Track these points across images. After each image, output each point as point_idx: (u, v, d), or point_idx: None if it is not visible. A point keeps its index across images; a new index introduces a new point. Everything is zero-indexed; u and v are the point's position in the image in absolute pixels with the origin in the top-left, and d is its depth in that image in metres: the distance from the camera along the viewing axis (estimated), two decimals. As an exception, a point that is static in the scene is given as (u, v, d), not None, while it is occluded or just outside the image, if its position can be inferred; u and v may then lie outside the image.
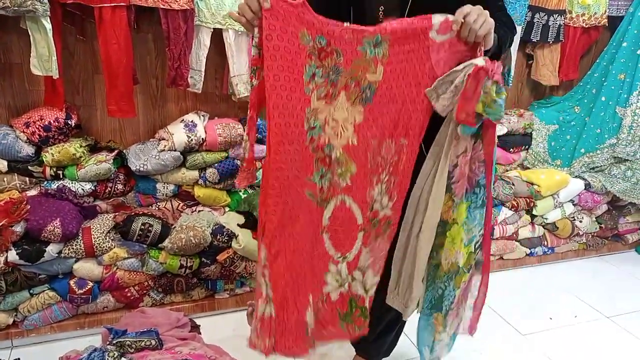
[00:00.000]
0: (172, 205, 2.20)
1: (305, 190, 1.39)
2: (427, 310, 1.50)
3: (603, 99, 2.79)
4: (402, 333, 1.85)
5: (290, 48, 1.25)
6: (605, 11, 2.72)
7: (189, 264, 2.02)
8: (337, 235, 1.45)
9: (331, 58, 1.29)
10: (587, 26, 2.73)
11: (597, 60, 2.84)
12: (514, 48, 2.63)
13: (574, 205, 2.79)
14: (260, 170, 1.40)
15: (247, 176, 1.45)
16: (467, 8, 1.19)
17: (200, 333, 1.72)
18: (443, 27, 1.23)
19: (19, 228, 1.80)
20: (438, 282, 1.45)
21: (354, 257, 1.46)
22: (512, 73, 2.71)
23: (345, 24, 1.26)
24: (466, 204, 1.35)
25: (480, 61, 1.17)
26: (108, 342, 1.42)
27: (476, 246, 1.44)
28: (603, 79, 2.80)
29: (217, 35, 2.08)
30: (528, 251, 2.80)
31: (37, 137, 1.90)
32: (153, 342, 1.43)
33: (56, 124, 1.91)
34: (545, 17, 2.64)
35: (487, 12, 1.19)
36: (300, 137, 1.34)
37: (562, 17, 2.67)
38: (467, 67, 1.19)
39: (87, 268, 1.94)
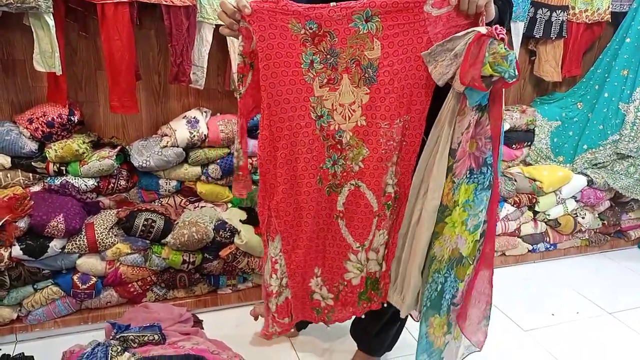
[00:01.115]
0: (174, 201, 2.21)
1: (316, 177, 1.39)
2: (424, 312, 1.42)
3: (606, 95, 2.78)
4: (404, 327, 1.85)
5: (283, 42, 1.26)
6: (609, 7, 2.71)
7: (191, 260, 2.03)
8: (353, 222, 1.45)
9: (325, 41, 1.28)
10: (590, 22, 2.72)
11: (600, 56, 2.83)
12: (517, 44, 2.63)
13: (577, 201, 2.79)
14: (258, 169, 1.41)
15: (246, 184, 1.46)
16: None
17: (202, 328, 1.73)
18: (439, 1, 1.21)
19: (22, 224, 1.81)
20: (435, 276, 1.37)
21: (369, 242, 1.47)
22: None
23: (332, 4, 1.25)
24: (472, 186, 1.29)
25: (483, 29, 1.14)
26: (111, 337, 1.43)
27: (481, 234, 1.36)
28: (606, 75, 2.79)
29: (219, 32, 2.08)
30: (530, 247, 2.80)
31: (40, 133, 1.90)
32: (156, 336, 1.43)
33: (59, 120, 1.92)
34: (548, 13, 2.63)
35: None
36: (309, 127, 1.34)
37: (565, 12, 2.66)
38: (470, 34, 1.15)
39: (90, 263, 1.95)
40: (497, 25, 1.15)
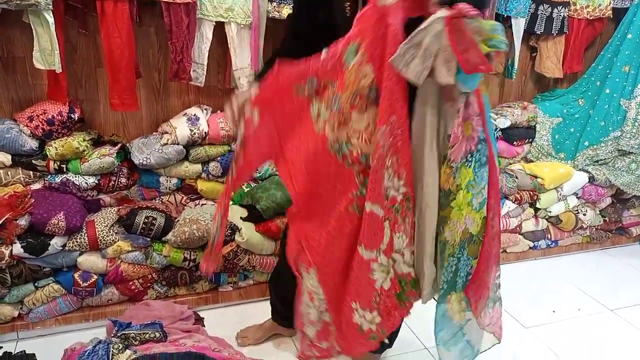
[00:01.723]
0: (175, 198, 2.21)
1: (349, 205, 1.38)
2: (442, 294, 1.42)
3: (607, 91, 2.77)
4: (404, 323, 1.85)
5: (292, 107, 1.32)
6: (610, 2, 2.70)
7: (192, 257, 2.03)
8: (367, 240, 1.43)
9: (328, 91, 1.30)
10: (591, 18, 2.71)
11: (602, 53, 2.82)
12: (518, 40, 2.62)
13: (578, 198, 2.78)
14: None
15: (216, 259, 1.47)
16: None
17: (204, 325, 1.73)
18: None
19: (23, 221, 1.81)
20: (450, 260, 1.36)
21: (387, 245, 1.43)
22: (516, 65, 2.70)
23: (323, 53, 1.27)
24: (473, 165, 1.27)
25: (442, 12, 1.09)
26: (113, 335, 1.43)
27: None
28: (607, 71, 2.78)
29: (219, 29, 2.07)
30: (531, 244, 2.80)
31: (41, 131, 1.90)
32: (157, 334, 1.44)
33: (59, 117, 1.92)
34: (549, 9, 2.63)
35: None
36: (331, 161, 1.35)
37: (566, 8, 2.65)
38: (434, 24, 1.10)
39: (91, 261, 1.95)
40: (460, 4, 1.09)
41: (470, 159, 1.27)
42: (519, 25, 2.59)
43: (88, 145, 1.99)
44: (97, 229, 1.92)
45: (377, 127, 1.30)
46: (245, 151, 1.39)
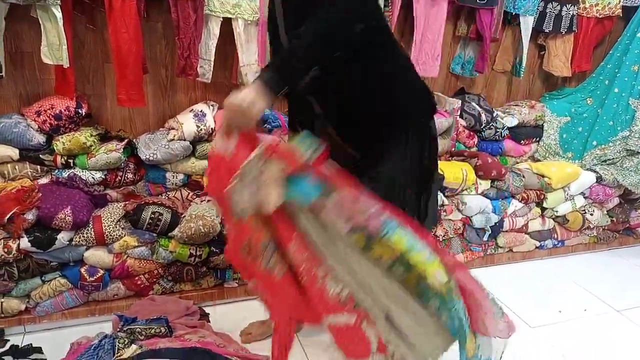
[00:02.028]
0: (181, 194, 2.21)
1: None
2: (461, 343, 1.41)
3: (616, 90, 2.75)
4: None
5: (253, 271, 1.41)
6: (620, 1, 2.68)
7: (198, 253, 2.03)
8: (353, 352, 1.42)
9: (255, 246, 1.36)
10: (600, 16, 2.69)
11: (611, 51, 2.80)
12: (526, 38, 2.60)
13: (585, 198, 2.77)
14: None
15: None
16: (225, 111, 1.24)
17: (209, 321, 1.74)
18: (225, 142, 1.27)
19: (30, 216, 1.82)
20: (450, 313, 1.36)
21: (377, 341, 1.40)
22: (524, 64, 2.68)
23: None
24: (394, 233, 1.29)
25: (261, 145, 1.22)
26: (118, 329, 1.44)
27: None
28: (616, 71, 2.76)
29: (227, 25, 2.07)
30: (538, 244, 2.79)
31: (48, 125, 1.91)
32: (163, 329, 1.44)
33: (67, 112, 1.92)
34: (558, 7, 2.61)
35: (241, 98, 1.19)
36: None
37: (575, 7, 2.63)
38: (255, 155, 1.20)
39: (97, 256, 1.95)
40: (271, 140, 1.24)
41: (386, 231, 1.29)
42: (527, 23, 2.58)
43: (95, 140, 2.00)
44: (103, 224, 1.93)
45: (286, 247, 1.32)
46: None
